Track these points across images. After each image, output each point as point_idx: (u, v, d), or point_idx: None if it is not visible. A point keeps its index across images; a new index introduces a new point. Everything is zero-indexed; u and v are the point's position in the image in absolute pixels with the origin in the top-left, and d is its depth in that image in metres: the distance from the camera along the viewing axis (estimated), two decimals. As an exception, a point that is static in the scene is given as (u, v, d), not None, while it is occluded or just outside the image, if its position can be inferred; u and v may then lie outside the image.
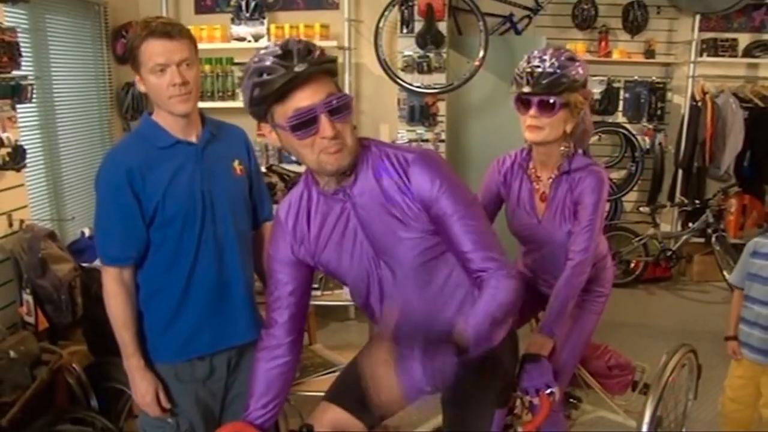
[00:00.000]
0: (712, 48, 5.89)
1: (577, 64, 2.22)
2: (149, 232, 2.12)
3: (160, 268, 2.16)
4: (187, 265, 2.15)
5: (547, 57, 2.20)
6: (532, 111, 2.21)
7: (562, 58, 2.20)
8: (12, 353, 2.83)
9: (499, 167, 2.53)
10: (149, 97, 2.12)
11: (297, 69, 1.52)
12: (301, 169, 2.14)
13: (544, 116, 2.20)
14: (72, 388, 3.08)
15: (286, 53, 1.52)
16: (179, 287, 2.17)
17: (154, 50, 1.98)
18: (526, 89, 2.20)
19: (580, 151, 2.38)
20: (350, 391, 1.94)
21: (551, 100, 2.18)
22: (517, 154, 2.50)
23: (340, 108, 1.58)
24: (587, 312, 2.59)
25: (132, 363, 2.16)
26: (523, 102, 2.24)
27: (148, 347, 2.20)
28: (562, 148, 2.30)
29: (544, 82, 2.16)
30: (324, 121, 1.55)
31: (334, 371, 3.25)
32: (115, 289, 2.13)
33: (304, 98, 1.55)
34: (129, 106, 5.07)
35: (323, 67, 1.57)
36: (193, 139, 2.14)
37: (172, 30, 2.01)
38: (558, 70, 2.16)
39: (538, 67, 2.17)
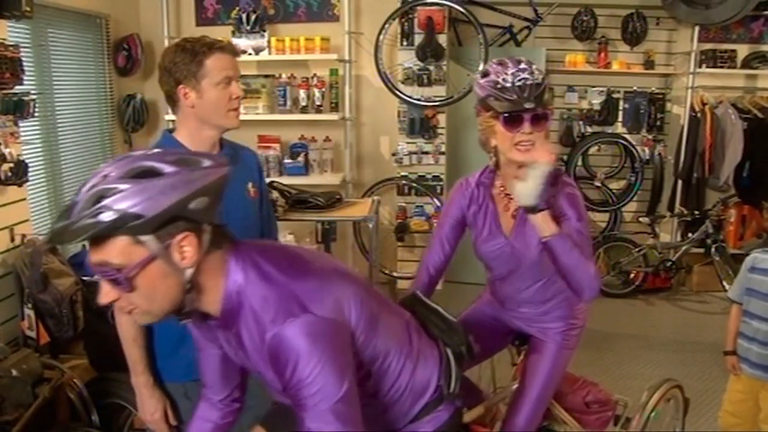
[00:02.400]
0: (711, 59, 5.91)
1: (545, 73, 2.15)
2: None
3: None
4: None
5: (530, 67, 2.07)
6: (526, 127, 2.05)
7: (537, 68, 2.10)
8: (14, 372, 2.83)
9: (463, 190, 2.34)
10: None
11: None
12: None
13: (536, 131, 2.07)
14: (73, 404, 3.08)
15: None
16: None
17: (225, 63, 2.08)
18: (527, 104, 2.03)
19: None
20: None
21: (542, 113, 2.06)
22: (481, 174, 2.33)
23: None
24: (561, 347, 2.44)
25: (140, 380, 2.18)
26: (513, 119, 2.06)
27: (158, 366, 2.22)
28: None
29: (536, 94, 2.03)
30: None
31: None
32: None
33: None
34: (130, 118, 5.09)
35: None
36: None
37: (235, 48, 2.16)
38: (542, 81, 2.06)
39: (527, 79, 2.03)
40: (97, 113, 4.91)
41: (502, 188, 2.27)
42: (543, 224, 2.01)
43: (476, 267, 2.63)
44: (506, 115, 2.05)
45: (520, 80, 2.02)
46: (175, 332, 2.14)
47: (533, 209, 2.00)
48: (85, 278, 3.91)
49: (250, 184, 2.29)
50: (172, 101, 2.12)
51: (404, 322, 1.71)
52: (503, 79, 2.04)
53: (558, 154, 2.33)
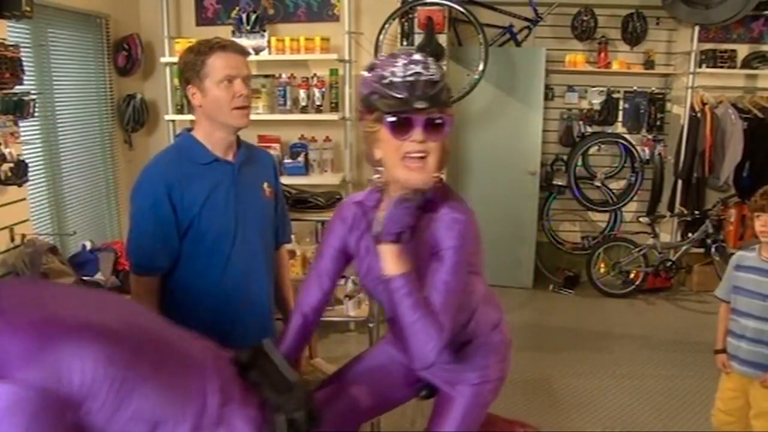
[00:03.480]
0: (711, 59, 5.92)
1: (444, 71, 1.76)
2: (182, 243, 2.18)
3: (191, 278, 2.22)
4: (216, 279, 2.21)
5: (425, 61, 1.68)
6: (417, 134, 1.66)
7: (436, 64, 1.71)
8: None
9: (343, 215, 1.94)
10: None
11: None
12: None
13: (431, 140, 1.67)
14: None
15: None
16: (208, 299, 2.22)
17: (226, 62, 2.10)
18: (418, 104, 1.63)
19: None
20: None
21: (439, 118, 1.67)
22: (365, 198, 1.91)
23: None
24: (471, 405, 2.03)
25: None
26: (401, 123, 1.66)
27: None
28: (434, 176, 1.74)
29: (431, 93, 1.64)
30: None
31: (334, 386, 3.25)
32: (142, 297, 2.19)
33: None
34: (130, 118, 5.08)
35: None
36: (230, 158, 2.22)
37: (241, 48, 2.18)
38: (440, 78, 1.67)
39: (421, 74, 1.64)
40: (97, 113, 4.90)
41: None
42: (385, 259, 1.69)
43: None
44: (392, 117, 1.66)
45: (411, 75, 1.64)
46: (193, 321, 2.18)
47: (376, 237, 1.71)
48: (85, 278, 3.92)
49: (266, 185, 2.32)
50: (187, 101, 2.20)
51: (201, 383, 1.34)
52: (391, 73, 1.65)
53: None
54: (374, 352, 2.22)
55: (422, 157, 1.67)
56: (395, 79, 1.64)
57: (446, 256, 1.69)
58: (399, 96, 1.63)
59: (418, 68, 1.64)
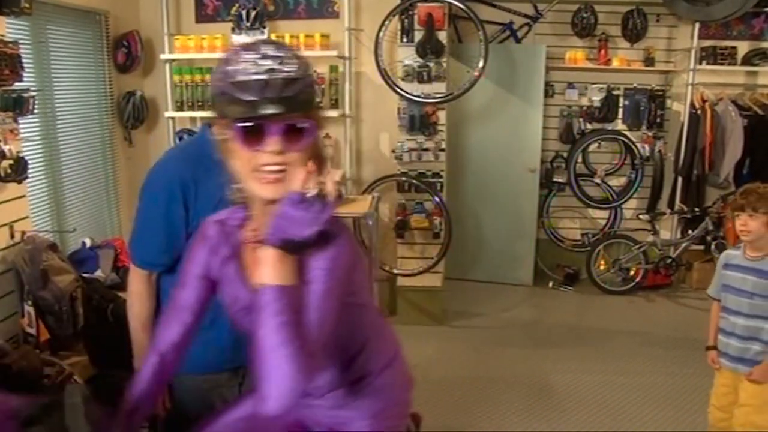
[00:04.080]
0: (711, 56, 5.90)
1: (309, 64, 1.43)
2: (188, 241, 2.09)
3: None
4: None
5: (285, 53, 1.36)
6: (271, 143, 1.37)
7: (297, 56, 1.39)
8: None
9: (203, 237, 1.66)
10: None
11: None
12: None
13: (292, 149, 1.38)
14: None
15: None
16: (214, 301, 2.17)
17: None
18: (269, 109, 1.33)
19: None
20: None
21: (300, 124, 1.38)
22: (228, 217, 1.64)
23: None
24: None
25: None
26: (252, 131, 1.37)
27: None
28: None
29: (288, 93, 1.34)
30: None
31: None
32: (141, 291, 2.15)
33: None
34: (130, 115, 5.08)
35: None
36: None
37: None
38: (303, 75, 1.37)
39: (275, 70, 1.33)
40: (97, 110, 4.90)
41: (254, 233, 1.54)
42: (264, 265, 1.38)
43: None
44: (242, 124, 1.36)
45: (264, 72, 1.33)
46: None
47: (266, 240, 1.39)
48: (85, 275, 3.92)
49: None
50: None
51: None
52: (243, 69, 1.33)
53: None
54: (237, 405, 1.84)
55: (281, 170, 1.38)
56: (244, 78, 1.33)
57: (315, 278, 1.40)
58: (246, 99, 1.33)
59: (273, 63, 1.33)
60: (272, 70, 1.32)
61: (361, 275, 1.63)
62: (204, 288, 1.66)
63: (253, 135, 1.36)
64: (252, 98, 1.32)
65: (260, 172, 1.39)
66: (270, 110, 1.32)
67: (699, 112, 5.84)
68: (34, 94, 3.72)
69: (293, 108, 1.35)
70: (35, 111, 3.79)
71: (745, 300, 2.92)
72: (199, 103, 5.15)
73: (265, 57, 1.33)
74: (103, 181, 4.98)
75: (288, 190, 1.36)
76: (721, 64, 5.92)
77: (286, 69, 1.34)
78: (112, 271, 4.23)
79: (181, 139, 5.21)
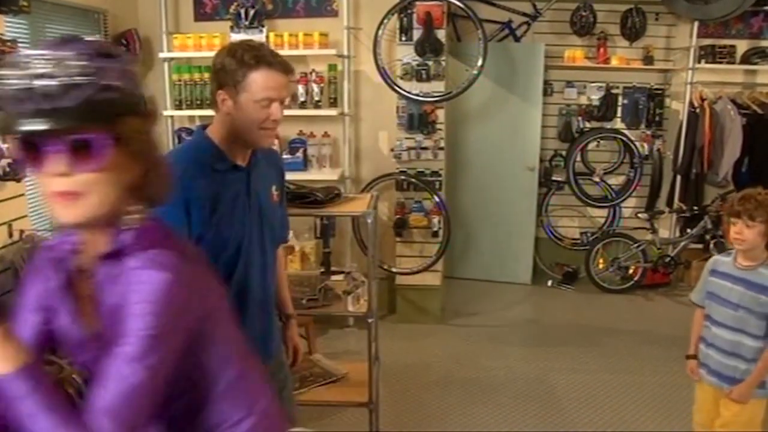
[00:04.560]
0: (710, 54, 5.91)
1: (117, 60, 1.18)
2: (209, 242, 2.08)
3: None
4: (239, 286, 2.13)
5: (59, 55, 1.10)
6: (54, 164, 1.12)
7: (89, 52, 1.12)
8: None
9: (34, 266, 1.42)
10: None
11: None
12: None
13: (82, 170, 1.14)
14: (73, 400, 3.07)
15: None
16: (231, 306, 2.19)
17: (270, 82, 1.95)
18: (32, 124, 1.08)
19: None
20: None
21: (87, 140, 1.12)
22: (58, 242, 1.37)
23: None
24: None
25: None
26: (28, 150, 1.13)
27: None
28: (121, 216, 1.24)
29: (66, 104, 1.08)
30: None
31: (334, 381, 3.27)
32: None
33: None
34: (129, 114, 5.07)
35: None
36: (244, 163, 2.12)
37: (287, 66, 2.00)
38: (89, 81, 1.10)
39: (45, 76, 1.08)
40: (96, 109, 4.89)
41: (84, 259, 1.32)
42: None
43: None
44: (21, 141, 1.13)
45: (30, 77, 1.08)
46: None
47: None
48: (83, 274, 3.91)
49: (274, 188, 2.26)
50: (213, 101, 2.06)
51: None
52: (10, 75, 1.09)
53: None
54: None
55: (73, 193, 1.14)
56: (8, 86, 1.08)
57: (127, 331, 1.15)
58: (10, 111, 1.09)
59: (43, 67, 1.08)
60: (40, 75, 1.07)
61: (217, 315, 1.34)
62: (41, 322, 1.37)
63: (30, 154, 1.12)
64: (15, 110, 1.08)
65: (53, 194, 1.15)
66: (34, 126, 1.07)
67: (698, 110, 5.84)
68: (32, 92, 3.71)
69: (75, 120, 1.08)
70: (34, 109, 3.77)
71: (730, 311, 2.76)
72: (198, 102, 5.14)
73: (35, 59, 1.09)
74: (101, 179, 4.97)
75: (90, 215, 1.16)
76: (720, 62, 5.93)
77: (58, 73, 1.08)
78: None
79: (179, 138, 5.20)
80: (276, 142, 5.14)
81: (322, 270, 4.34)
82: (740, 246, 2.70)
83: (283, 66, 1.99)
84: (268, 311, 2.28)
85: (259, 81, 1.94)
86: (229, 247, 2.09)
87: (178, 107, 5.16)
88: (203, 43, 5.06)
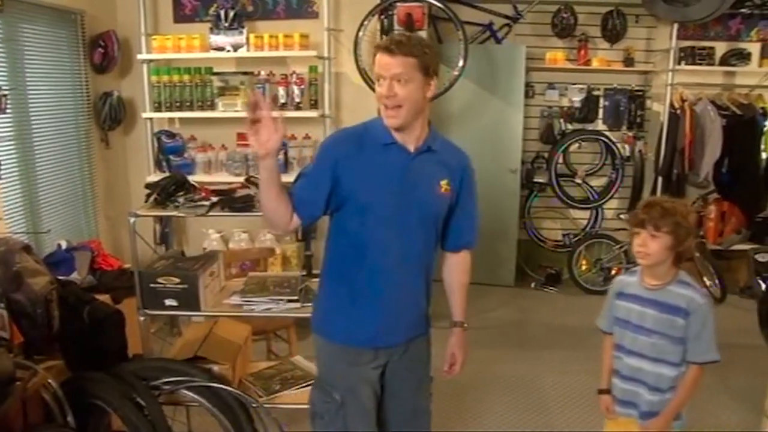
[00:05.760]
0: (690, 56, 5.94)
1: None
2: (340, 215, 2.29)
3: (348, 255, 2.30)
4: (371, 264, 2.27)
5: None
6: None
7: None
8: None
9: None
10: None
11: None
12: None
13: None
14: (48, 405, 3.02)
15: None
16: (361, 280, 2.29)
17: (378, 62, 2.17)
18: None
19: None
20: None
21: None
22: None
23: None
24: None
25: None
26: None
27: (321, 319, 2.43)
28: None
29: None
30: None
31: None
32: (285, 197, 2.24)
33: None
34: (107, 116, 5.01)
35: None
36: (411, 146, 2.26)
37: (392, 46, 2.15)
38: None
39: None
40: (73, 111, 4.82)
41: None
42: None
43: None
44: None
45: None
46: (344, 298, 2.34)
47: None
48: (60, 278, 3.85)
49: (445, 181, 2.32)
50: None
51: None
52: None
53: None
54: None
55: None
56: None
57: None
58: None
59: None
60: None
61: None
62: None
63: None
64: None
65: None
66: None
67: (678, 112, 5.85)
68: (6, 92, 3.66)
69: None
70: (8, 111, 3.72)
71: (645, 338, 2.41)
72: (177, 104, 5.08)
73: None
74: (79, 182, 4.90)
75: None
76: (700, 64, 5.96)
77: None
78: (88, 273, 4.17)
79: (159, 140, 5.15)
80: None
81: (304, 273, 4.29)
82: (643, 260, 2.36)
83: (388, 48, 2.15)
84: (402, 299, 2.35)
85: (376, 62, 2.18)
86: (367, 215, 2.25)
87: (158, 109, 5.10)
88: (182, 44, 5.02)
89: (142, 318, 3.27)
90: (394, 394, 2.44)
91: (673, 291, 2.36)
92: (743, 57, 5.99)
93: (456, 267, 2.59)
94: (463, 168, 2.42)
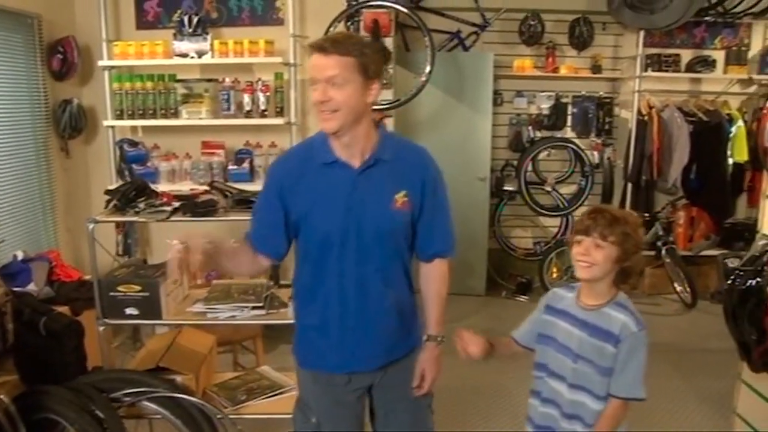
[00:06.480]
0: (656, 63, 5.99)
1: None
2: (299, 241, 2.20)
3: (309, 282, 2.20)
4: (330, 288, 2.15)
5: None
6: None
7: None
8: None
9: None
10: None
11: None
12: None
13: None
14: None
15: None
16: (323, 306, 2.18)
17: (311, 63, 1.99)
18: None
19: None
20: None
21: None
22: None
23: None
24: None
25: None
26: None
27: (295, 342, 2.32)
28: None
29: None
30: None
31: (281, 393, 3.13)
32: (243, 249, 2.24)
33: None
34: (66, 124, 4.87)
35: None
36: (355, 161, 2.08)
37: (326, 44, 1.96)
38: None
39: None
40: (30, 119, 4.67)
41: None
42: None
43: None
44: None
45: None
46: (311, 325, 2.24)
47: None
48: (16, 289, 3.71)
49: (401, 194, 2.12)
50: None
51: None
52: None
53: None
54: None
55: None
56: None
57: None
58: None
59: None
60: None
61: None
62: None
63: None
64: None
65: None
66: None
67: (646, 118, 5.89)
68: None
69: None
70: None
71: (569, 362, 2.12)
72: (140, 112, 4.95)
73: None
74: (37, 192, 4.74)
75: None
76: (666, 71, 6.01)
77: None
78: (46, 284, 4.04)
79: (121, 149, 5.02)
80: (222, 153, 4.99)
81: (271, 283, 4.19)
82: (584, 273, 2.05)
83: (321, 47, 1.96)
84: (369, 322, 2.19)
85: (308, 64, 2.03)
86: (319, 240, 2.14)
87: (119, 117, 4.96)
88: (145, 51, 4.89)
89: (101, 328, 3.15)
90: (389, 412, 2.33)
91: (608, 313, 2.06)
92: (708, 64, 6.04)
93: (429, 276, 2.33)
94: (423, 175, 2.18)
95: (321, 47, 1.94)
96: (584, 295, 2.13)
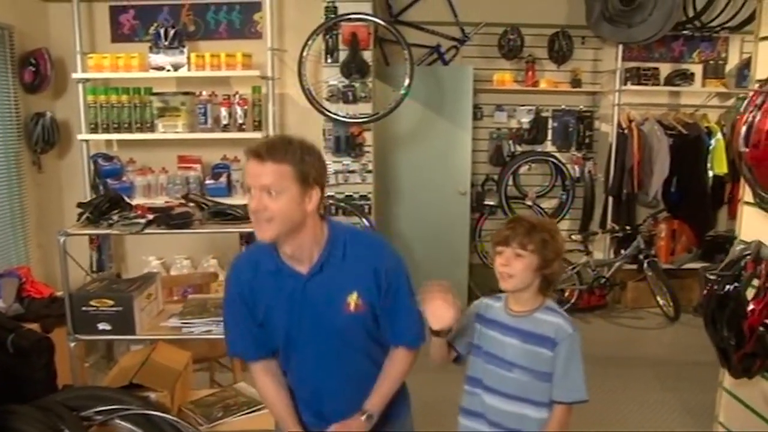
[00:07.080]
0: (635, 76, 6.00)
1: None
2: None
3: (282, 360, 2.15)
4: (300, 375, 2.13)
5: None
6: None
7: None
8: None
9: None
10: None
11: None
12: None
13: None
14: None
15: None
16: (296, 380, 2.15)
17: (247, 169, 1.90)
18: None
19: None
20: None
21: None
22: None
23: None
24: None
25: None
26: None
27: None
28: None
29: None
30: None
31: (259, 410, 3.04)
32: (259, 380, 2.16)
33: None
34: (39, 138, 4.78)
35: None
36: (303, 268, 1.99)
37: (261, 150, 1.84)
38: None
39: None
40: (2, 132, 4.57)
41: None
42: None
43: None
44: None
45: None
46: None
47: None
48: (-17, 306, 3.61)
49: (353, 296, 2.00)
50: None
51: None
52: None
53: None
54: None
55: None
56: None
57: None
58: None
59: None
60: None
61: None
62: None
63: None
64: None
65: None
66: None
67: (626, 132, 5.88)
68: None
69: None
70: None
71: (504, 373, 2.04)
72: (115, 125, 4.86)
73: None
74: (7, 207, 4.63)
75: None
76: (645, 84, 6.02)
77: None
78: (15, 301, 3.93)
79: (95, 163, 4.93)
80: (198, 167, 4.91)
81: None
82: (507, 284, 2.02)
83: (258, 153, 1.85)
84: (327, 410, 2.14)
85: (246, 169, 1.93)
86: (278, 345, 2.10)
87: (94, 131, 4.87)
88: (120, 63, 4.82)
89: (73, 344, 3.05)
90: None
91: (540, 318, 2.04)
92: (687, 77, 6.07)
93: (391, 358, 2.17)
94: (377, 268, 2.02)
95: (257, 153, 1.84)
96: (512, 302, 2.09)
